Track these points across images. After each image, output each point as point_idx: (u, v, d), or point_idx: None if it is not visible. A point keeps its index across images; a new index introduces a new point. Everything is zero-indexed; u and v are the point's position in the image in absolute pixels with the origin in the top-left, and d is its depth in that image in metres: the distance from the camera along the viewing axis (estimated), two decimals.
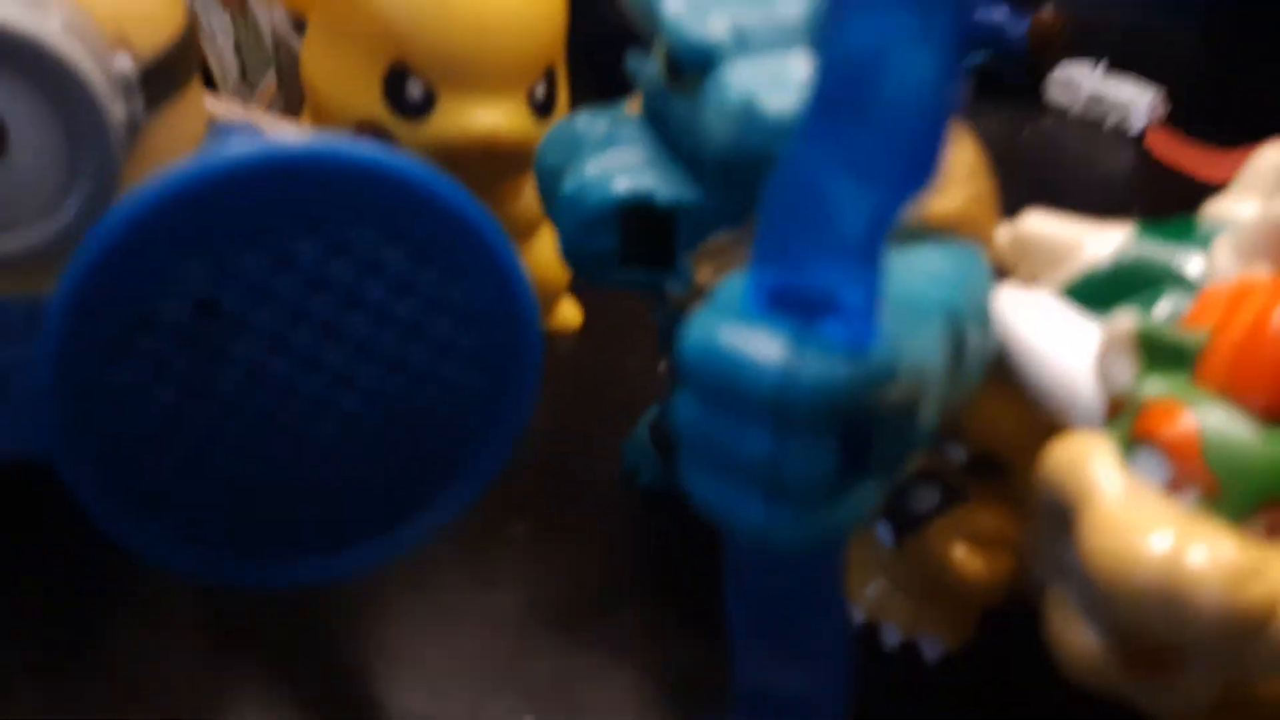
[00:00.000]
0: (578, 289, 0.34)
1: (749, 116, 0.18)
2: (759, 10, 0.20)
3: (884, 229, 0.13)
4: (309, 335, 0.18)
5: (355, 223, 0.17)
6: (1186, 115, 0.49)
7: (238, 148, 0.23)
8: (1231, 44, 0.58)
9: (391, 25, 0.26)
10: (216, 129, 0.25)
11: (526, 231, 0.31)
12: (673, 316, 0.22)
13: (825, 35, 0.13)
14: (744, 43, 0.19)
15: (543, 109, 0.28)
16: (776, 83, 0.19)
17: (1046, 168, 0.48)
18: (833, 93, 0.13)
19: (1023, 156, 0.48)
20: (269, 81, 0.45)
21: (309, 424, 0.19)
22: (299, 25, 0.41)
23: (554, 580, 0.26)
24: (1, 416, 0.22)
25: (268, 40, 0.45)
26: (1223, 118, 0.49)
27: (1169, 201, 0.45)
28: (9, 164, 0.20)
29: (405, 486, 0.20)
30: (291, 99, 0.44)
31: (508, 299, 0.19)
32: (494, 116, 0.27)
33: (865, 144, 0.12)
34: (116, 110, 0.20)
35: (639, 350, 0.33)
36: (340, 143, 0.17)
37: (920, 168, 0.12)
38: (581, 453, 0.30)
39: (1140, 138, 0.49)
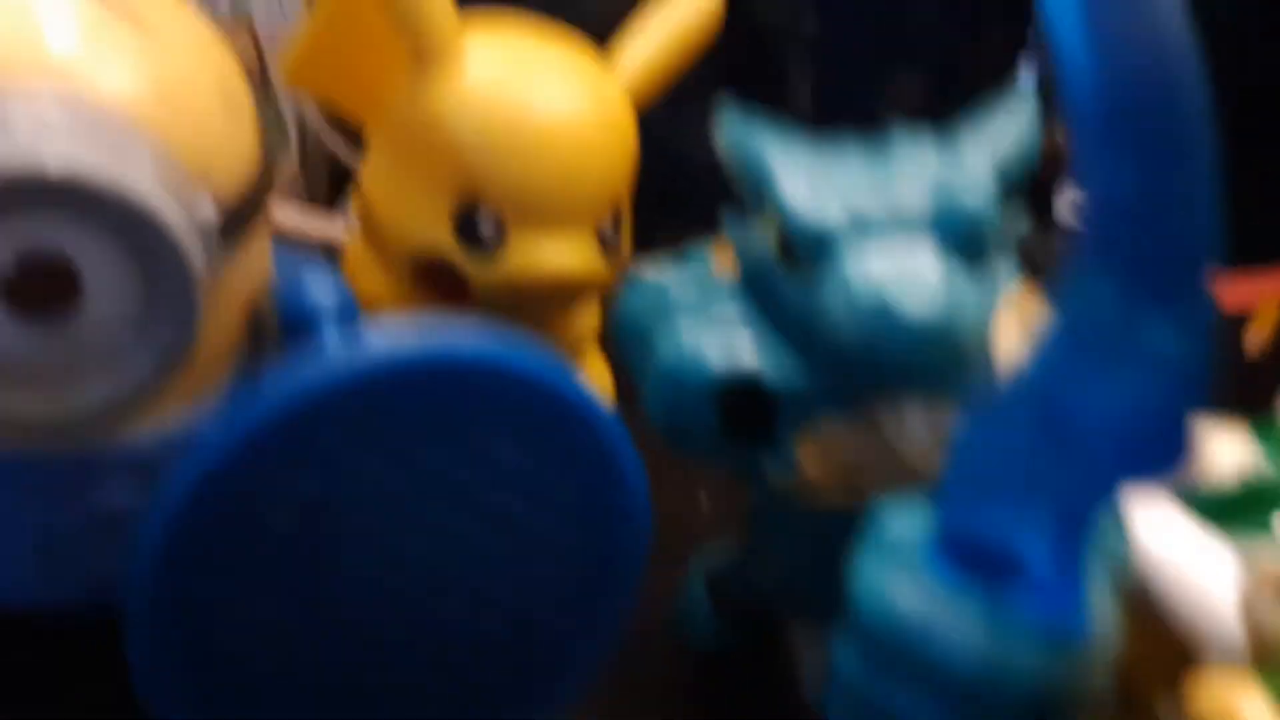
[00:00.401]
0: None
1: (881, 316, 0.18)
2: (877, 195, 0.19)
3: (1096, 503, 0.12)
4: (419, 537, 0.17)
5: (474, 422, 0.16)
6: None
7: (318, 295, 0.22)
8: (1231, 165, 0.59)
9: (466, 158, 0.25)
10: (283, 258, 0.23)
11: (577, 352, 0.30)
12: (769, 496, 0.22)
13: (1065, 293, 0.12)
14: (863, 228, 0.19)
15: (610, 244, 0.27)
16: (907, 284, 0.18)
17: None
18: (1051, 364, 0.12)
19: (1043, 277, 0.48)
20: (288, 163, 0.44)
21: (405, 624, 0.18)
22: (333, 120, 0.40)
23: None
24: (45, 567, 0.20)
25: (288, 123, 0.44)
26: (1232, 241, 0.49)
27: None
28: (82, 315, 0.19)
29: (500, 688, 0.19)
30: (314, 189, 0.43)
31: (619, 502, 0.18)
32: (566, 255, 0.26)
33: (1084, 417, 0.12)
34: (198, 261, 0.19)
35: (677, 479, 0.32)
36: (454, 338, 0.16)
37: (1153, 455, 0.12)
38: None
39: None
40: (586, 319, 0.30)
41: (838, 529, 0.18)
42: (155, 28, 0.20)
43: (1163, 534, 0.18)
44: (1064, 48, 0.12)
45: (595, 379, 0.30)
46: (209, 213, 0.20)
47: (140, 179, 0.18)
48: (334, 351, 0.15)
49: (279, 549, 0.16)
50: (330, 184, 0.43)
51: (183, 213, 0.19)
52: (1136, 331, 0.12)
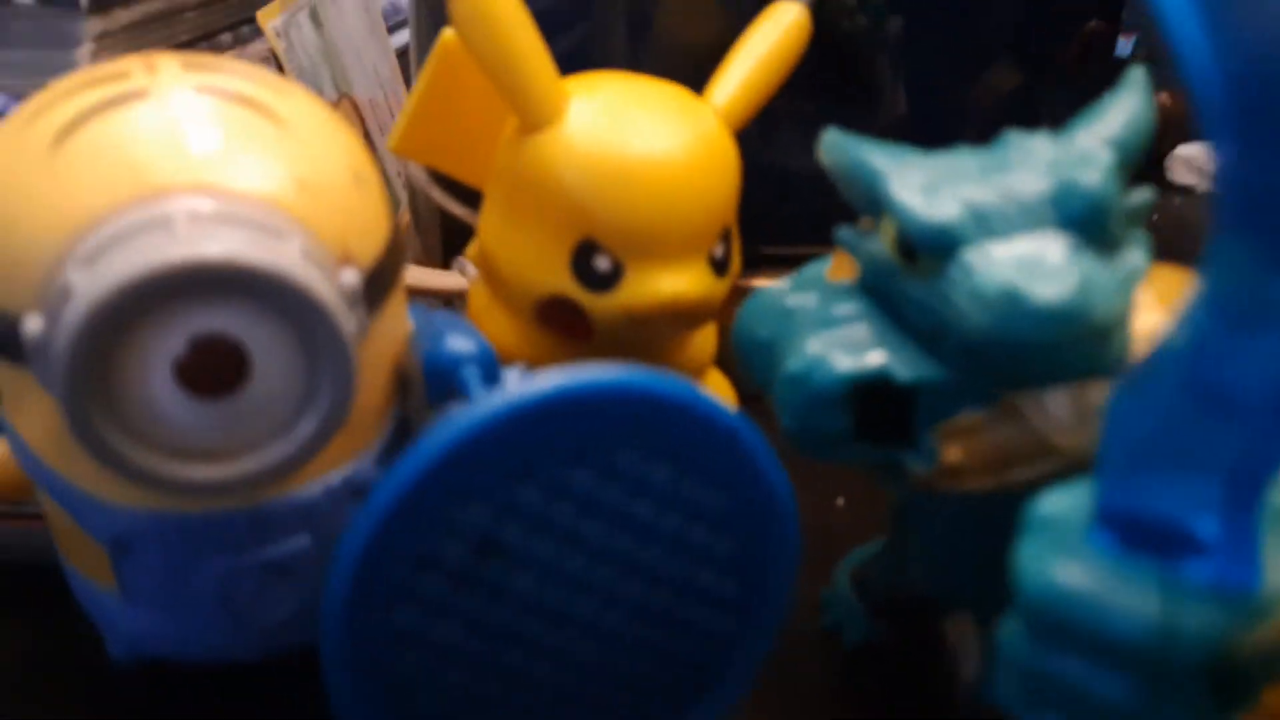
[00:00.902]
0: None
1: (1012, 305, 0.18)
2: (994, 188, 0.19)
3: (1268, 464, 0.12)
4: (581, 560, 0.18)
5: (622, 446, 0.17)
6: None
7: (458, 346, 0.23)
8: None
9: (580, 207, 0.26)
10: (420, 315, 0.25)
11: (699, 375, 0.31)
12: (913, 493, 0.22)
13: (1205, 271, 0.12)
14: (983, 223, 0.19)
15: (721, 267, 0.28)
16: (1033, 269, 0.18)
17: (1185, 247, 0.47)
18: (1206, 332, 0.12)
19: (1161, 240, 0.47)
20: (402, 219, 0.46)
21: (573, 647, 0.18)
22: (435, 176, 0.42)
23: None
24: (226, 620, 0.22)
25: (396, 183, 0.47)
26: None
27: None
28: (251, 389, 0.20)
29: (657, 704, 0.20)
30: (428, 243, 0.45)
31: (766, 503, 0.19)
32: (680, 283, 0.27)
33: (1245, 385, 0.12)
34: (349, 325, 0.20)
35: (813, 485, 0.32)
36: (596, 372, 0.17)
37: None
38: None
39: None
40: (705, 343, 0.31)
41: (985, 517, 0.19)
42: (287, 120, 0.21)
43: None
44: (1180, 34, 0.12)
45: (719, 394, 0.31)
46: (354, 281, 0.21)
47: (291, 257, 0.19)
48: (483, 395, 0.16)
49: (455, 580, 0.17)
50: (442, 237, 0.44)
51: (331, 284, 0.20)
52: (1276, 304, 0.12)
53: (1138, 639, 0.12)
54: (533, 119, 0.27)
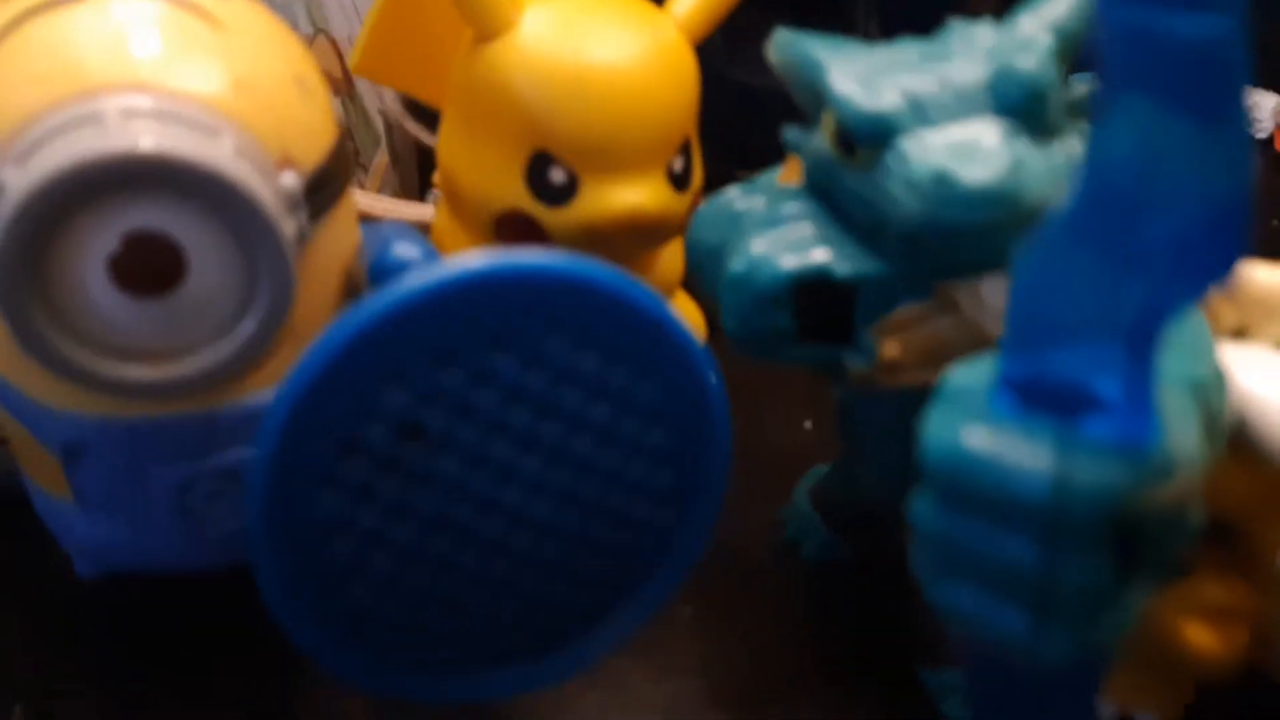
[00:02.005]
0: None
1: (943, 189, 0.18)
2: (932, 78, 0.19)
3: (1161, 319, 0.12)
4: (507, 448, 0.18)
5: (549, 332, 0.17)
6: None
7: (403, 251, 0.23)
8: None
9: (533, 117, 0.26)
10: (370, 229, 0.25)
11: (664, 295, 0.31)
12: (854, 392, 0.22)
13: (1096, 131, 0.12)
14: (920, 112, 0.19)
15: (680, 181, 0.28)
16: (966, 153, 0.18)
17: None
18: (1101, 190, 0.12)
19: None
20: (380, 160, 0.45)
21: (504, 537, 0.18)
22: (409, 105, 0.42)
23: (729, 664, 0.26)
24: (183, 529, 0.22)
25: (376, 121, 0.46)
26: None
27: None
28: (188, 289, 0.20)
29: (594, 594, 0.20)
30: (404, 177, 0.45)
31: (697, 393, 0.18)
32: (636, 195, 0.26)
33: (1141, 239, 0.12)
34: (288, 227, 0.20)
35: (779, 408, 0.32)
36: (524, 255, 0.17)
37: (1210, 263, 0.11)
38: (736, 522, 0.30)
39: (1269, 141, 0.47)
40: (670, 263, 0.31)
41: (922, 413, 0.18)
42: (229, 25, 0.21)
43: (1259, 371, 0.17)
44: None
45: (686, 318, 0.31)
46: (293, 184, 0.21)
47: (223, 153, 0.19)
48: (410, 276, 0.16)
49: (380, 465, 0.17)
50: (420, 174, 0.44)
51: (268, 184, 0.20)
52: (1171, 148, 0.12)
53: (1033, 495, 0.12)
54: (486, 26, 0.26)
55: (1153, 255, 0.12)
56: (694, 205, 0.28)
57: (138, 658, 0.26)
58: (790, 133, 0.22)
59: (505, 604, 0.19)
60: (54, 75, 0.20)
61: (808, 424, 0.32)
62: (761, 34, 0.23)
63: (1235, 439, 0.17)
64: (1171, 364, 0.15)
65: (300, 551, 0.17)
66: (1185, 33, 0.11)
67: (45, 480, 0.23)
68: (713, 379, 0.18)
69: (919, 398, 0.19)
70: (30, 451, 0.23)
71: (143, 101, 0.19)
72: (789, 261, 0.20)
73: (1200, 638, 0.20)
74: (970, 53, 0.19)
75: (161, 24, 0.21)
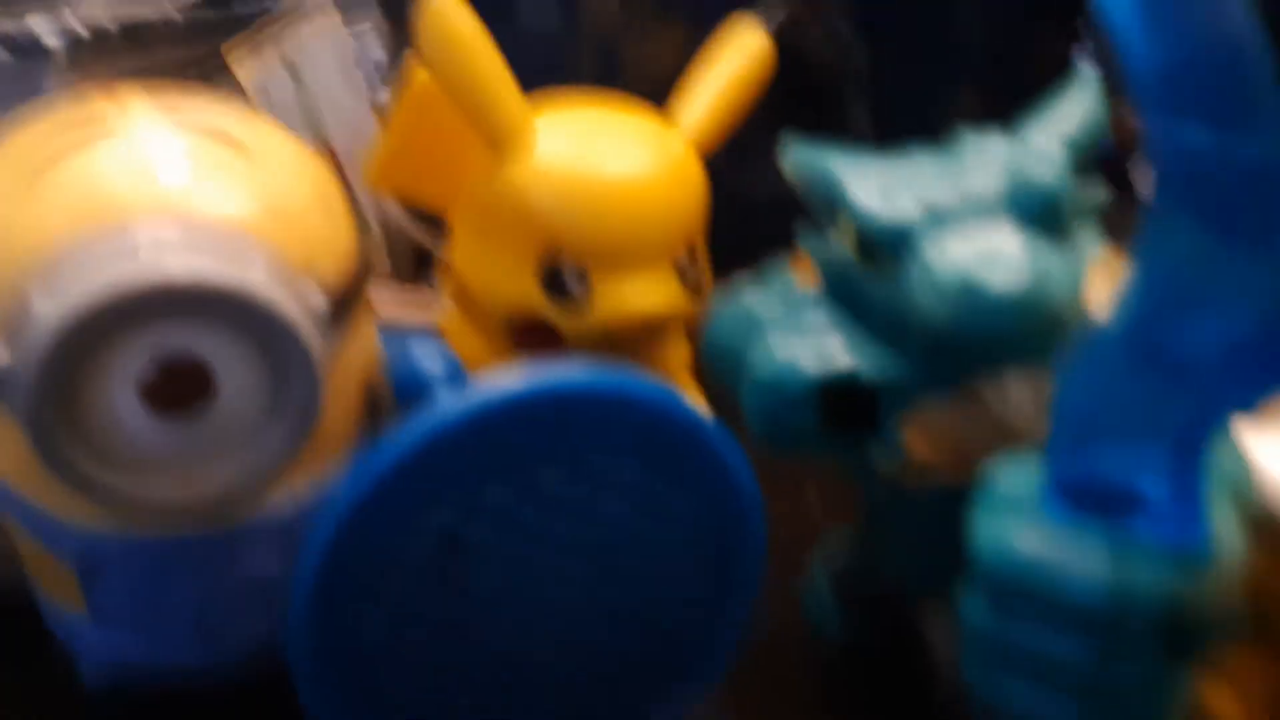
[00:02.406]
0: None
1: (969, 296, 0.18)
2: (949, 187, 0.20)
3: (1209, 427, 0.12)
4: (547, 556, 0.18)
5: (591, 444, 0.17)
6: None
7: (427, 364, 0.23)
8: None
9: (545, 221, 0.27)
10: (388, 336, 0.25)
11: (672, 384, 0.31)
12: (881, 487, 0.22)
13: (1147, 246, 0.12)
14: (938, 219, 0.19)
15: (689, 279, 0.28)
16: (990, 260, 0.18)
17: None
18: (1152, 302, 0.12)
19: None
20: (377, 254, 0.46)
21: (542, 643, 0.18)
22: (412, 212, 0.42)
23: None
24: (201, 640, 0.22)
25: (374, 228, 0.47)
26: None
27: None
28: (216, 408, 0.20)
29: (628, 696, 0.20)
30: (403, 279, 0.45)
31: (733, 502, 0.19)
32: (648, 295, 0.27)
33: (1190, 350, 0.12)
34: (315, 344, 0.20)
35: (787, 474, 0.32)
36: (561, 373, 0.17)
37: (1262, 376, 0.12)
38: (757, 602, 0.30)
39: None
40: (677, 353, 0.31)
41: (952, 508, 0.19)
42: (255, 151, 0.22)
43: None
44: (1117, 17, 0.12)
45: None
46: (319, 301, 0.21)
47: (256, 277, 0.20)
48: (445, 397, 0.16)
49: (421, 579, 0.17)
50: (418, 274, 0.45)
51: (296, 303, 0.20)
52: (1220, 266, 0.12)
53: (1091, 599, 0.12)
54: (499, 139, 0.27)
55: (1200, 366, 0.12)
56: (703, 302, 0.29)
57: None
58: (805, 236, 0.22)
59: (541, 708, 0.19)
60: (85, 206, 0.20)
61: (811, 492, 0.32)
62: (763, 142, 0.23)
63: (1265, 528, 0.17)
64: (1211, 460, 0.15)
65: (340, 660, 0.17)
66: (1234, 155, 0.12)
67: (58, 593, 0.23)
68: (749, 487, 0.18)
69: (947, 493, 0.19)
70: (43, 564, 0.23)
71: (172, 229, 0.20)
72: (813, 364, 0.21)
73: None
74: (984, 163, 0.20)
75: (191, 154, 0.21)
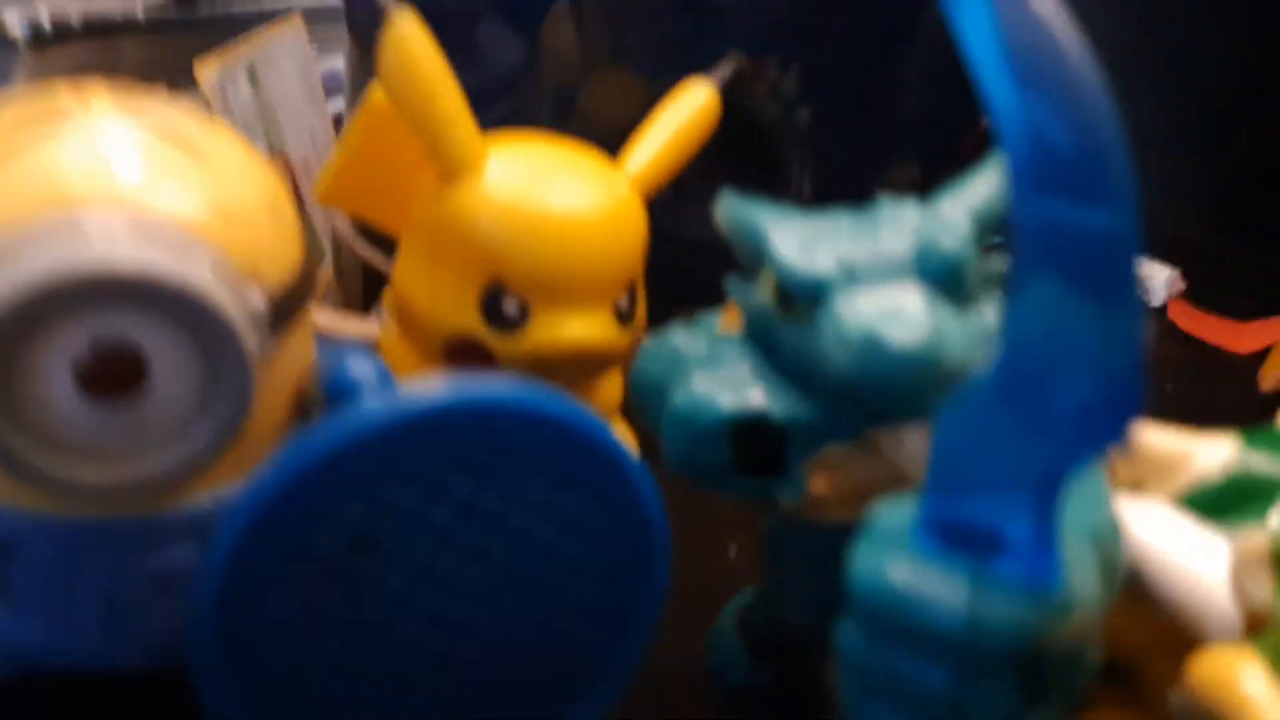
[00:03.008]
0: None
1: (871, 349, 0.19)
2: (864, 246, 0.21)
3: (1065, 473, 0.14)
4: (455, 561, 0.18)
5: (504, 457, 0.18)
6: (1201, 290, 0.52)
7: (358, 371, 0.24)
8: (1239, 219, 0.61)
9: (492, 251, 0.28)
10: (324, 346, 0.26)
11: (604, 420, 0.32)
12: (783, 524, 0.23)
13: (1011, 308, 0.14)
14: (851, 276, 0.21)
15: (626, 318, 0.29)
16: (892, 316, 0.20)
17: None
18: (1015, 359, 0.14)
19: None
20: (324, 273, 0.46)
21: (447, 647, 0.19)
22: (359, 227, 0.43)
23: None
24: (109, 629, 0.22)
25: (323, 239, 0.48)
26: (1237, 291, 0.51)
27: (1199, 372, 0.47)
28: (148, 396, 0.21)
29: (529, 709, 0.20)
30: (349, 292, 0.46)
31: (640, 521, 0.19)
32: (584, 329, 0.28)
33: (1048, 403, 0.13)
34: (252, 343, 0.21)
35: (706, 530, 0.33)
36: (481, 385, 0.18)
37: (1108, 426, 0.13)
38: (660, 644, 0.30)
39: (1161, 312, 0.51)
40: (610, 390, 0.32)
41: (847, 545, 0.20)
42: (208, 153, 0.22)
43: (1152, 524, 0.19)
44: (995, 97, 0.14)
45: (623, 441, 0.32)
46: (259, 304, 0.22)
47: (200, 274, 0.20)
48: (370, 401, 0.17)
49: (330, 576, 0.17)
50: (364, 290, 0.45)
51: (237, 303, 0.21)
52: (1076, 325, 0.13)
53: (949, 629, 0.14)
54: (452, 167, 0.28)
55: (1058, 417, 0.13)
56: (637, 341, 0.30)
57: None
58: (732, 284, 0.23)
59: (442, 713, 0.19)
60: (34, 189, 0.20)
61: (732, 550, 0.33)
62: (704, 190, 0.25)
63: (1130, 585, 0.19)
64: (1073, 514, 0.17)
65: (244, 658, 0.17)
66: (1088, 226, 0.13)
67: None
68: (655, 507, 0.19)
69: (843, 533, 0.20)
70: None
71: (123, 221, 0.20)
72: (728, 401, 0.22)
73: None
74: (897, 227, 0.21)
75: (147, 152, 0.22)
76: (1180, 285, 0.52)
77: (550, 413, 0.18)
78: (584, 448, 0.19)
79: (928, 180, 0.41)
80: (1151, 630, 0.19)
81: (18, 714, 0.26)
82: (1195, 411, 0.24)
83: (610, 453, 0.19)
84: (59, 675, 0.24)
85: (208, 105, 0.41)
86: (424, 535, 0.18)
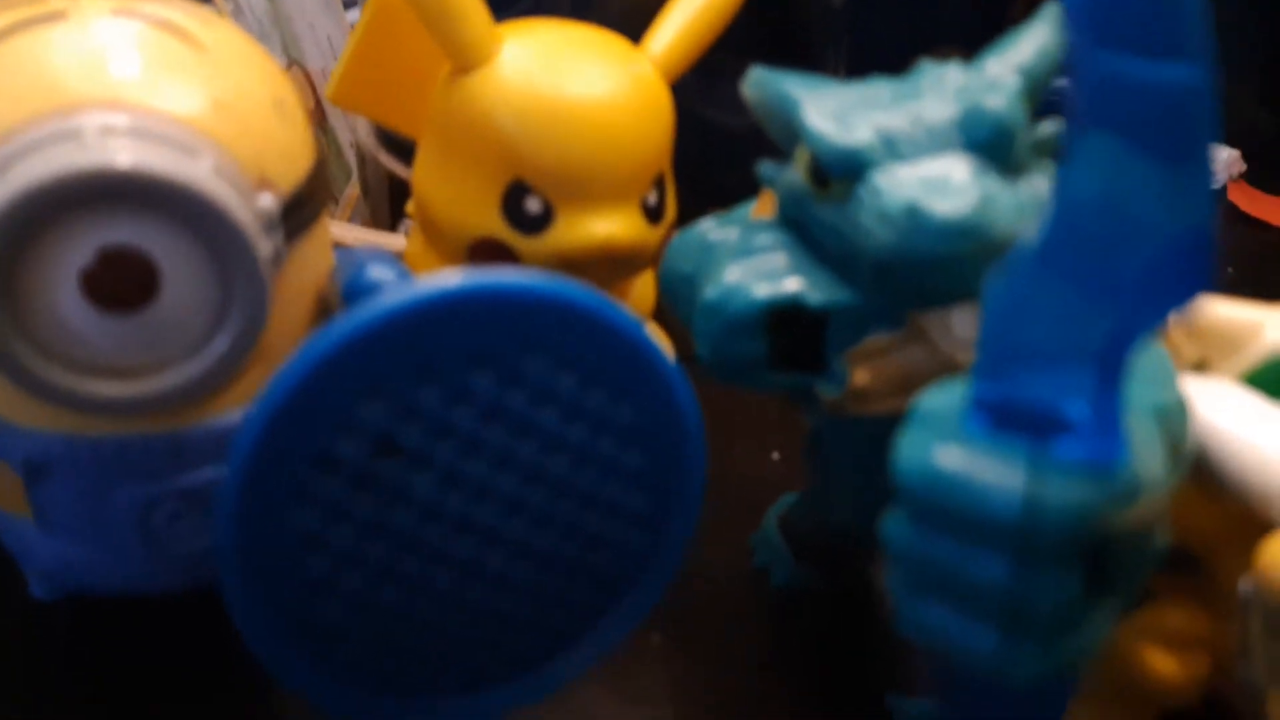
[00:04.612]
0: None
1: (915, 221, 0.18)
2: (904, 115, 0.20)
3: (1128, 345, 0.12)
4: (483, 466, 0.18)
5: (527, 351, 0.17)
6: (1261, 173, 0.50)
7: (378, 273, 0.23)
8: None
9: (511, 147, 0.26)
10: (344, 253, 0.25)
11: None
12: (825, 419, 0.22)
13: (1067, 168, 0.12)
14: (892, 148, 0.19)
15: (654, 214, 0.28)
16: (937, 187, 0.18)
17: None
18: (1072, 223, 0.12)
19: None
20: (351, 191, 0.45)
21: (477, 556, 0.18)
22: (383, 138, 0.42)
23: (698, 692, 0.26)
24: (146, 549, 0.22)
25: (348, 152, 0.46)
26: None
27: (1261, 254, 0.45)
28: (161, 306, 0.20)
29: (565, 617, 0.20)
30: (376, 209, 0.45)
31: (673, 416, 0.19)
32: (610, 226, 0.27)
33: (1110, 270, 0.12)
34: (263, 248, 0.20)
35: (747, 439, 0.33)
36: (503, 274, 0.17)
37: (1175, 293, 0.12)
38: (705, 550, 0.30)
39: (1221, 193, 0.49)
40: (642, 292, 0.31)
41: (892, 439, 0.19)
42: (210, 48, 0.21)
43: (1220, 403, 0.18)
44: None
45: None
46: (268, 203, 0.21)
47: (202, 172, 0.19)
48: (388, 292, 0.16)
49: (354, 482, 0.17)
50: (391, 206, 0.44)
51: (245, 204, 0.20)
52: (1140, 185, 0.12)
53: (1005, 513, 0.13)
54: (465, 59, 0.27)
55: (1120, 286, 0.12)
56: (667, 238, 0.29)
57: (97, 681, 0.25)
58: (765, 167, 0.22)
59: (476, 625, 0.19)
60: (32, 92, 0.20)
61: (775, 455, 0.32)
62: (734, 74, 0.23)
63: (1197, 470, 0.18)
64: (1137, 392, 0.16)
65: (270, 570, 0.17)
66: (1159, 80, 0.12)
67: (4, 499, 0.23)
68: (688, 402, 0.18)
69: (889, 425, 0.19)
70: None
71: (121, 119, 0.19)
72: (762, 290, 0.21)
73: (1162, 665, 0.20)
74: (940, 92, 0.20)
75: (142, 44, 0.21)
76: (1240, 166, 0.49)
77: (575, 302, 0.17)
78: (612, 340, 0.18)
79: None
80: (1219, 517, 0.18)
81: (61, 636, 0.26)
82: (1258, 293, 0.23)
83: (640, 345, 0.18)
84: (99, 597, 0.24)
85: (220, 15, 0.39)
86: (449, 439, 0.17)
